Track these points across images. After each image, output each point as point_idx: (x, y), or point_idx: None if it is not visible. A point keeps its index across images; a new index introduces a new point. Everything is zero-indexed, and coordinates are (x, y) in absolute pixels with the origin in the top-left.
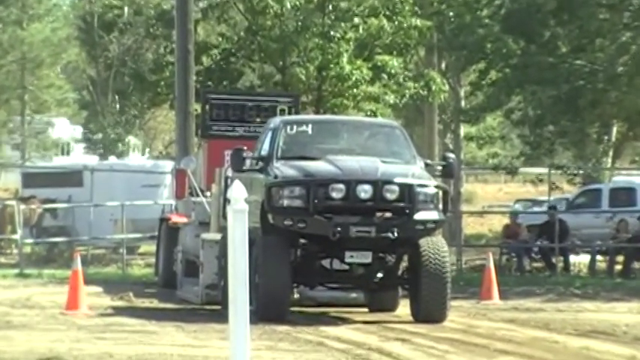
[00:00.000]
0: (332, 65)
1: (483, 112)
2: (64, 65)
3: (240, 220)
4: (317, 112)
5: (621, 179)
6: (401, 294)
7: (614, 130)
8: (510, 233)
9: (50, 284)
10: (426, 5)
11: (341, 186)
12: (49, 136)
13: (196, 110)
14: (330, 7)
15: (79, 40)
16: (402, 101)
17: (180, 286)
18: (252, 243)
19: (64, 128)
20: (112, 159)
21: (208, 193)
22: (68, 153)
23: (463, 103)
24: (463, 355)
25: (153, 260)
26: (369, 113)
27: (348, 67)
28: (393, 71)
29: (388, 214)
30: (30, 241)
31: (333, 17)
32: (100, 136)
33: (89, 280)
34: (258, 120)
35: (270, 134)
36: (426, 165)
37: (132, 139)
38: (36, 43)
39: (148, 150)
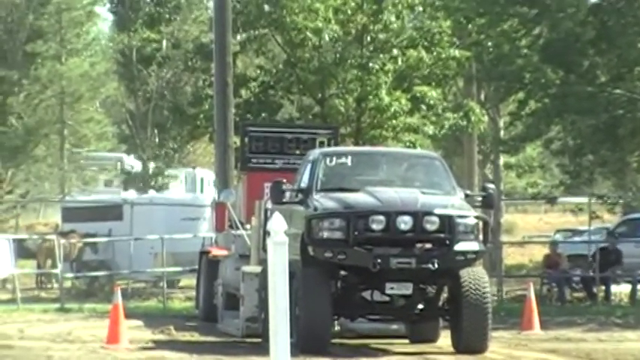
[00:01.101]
0: (371, 97)
1: (523, 142)
2: (102, 99)
3: (281, 253)
4: (356, 144)
5: None
6: (442, 325)
7: None
8: (551, 263)
9: (91, 318)
10: (465, 36)
11: (381, 217)
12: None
13: (235, 143)
14: (369, 38)
15: (117, 74)
16: (441, 132)
17: (220, 319)
18: (292, 275)
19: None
20: (152, 192)
21: (248, 226)
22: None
23: (502, 133)
24: None
25: (193, 293)
26: (408, 144)
27: (386, 99)
28: (431, 102)
29: (428, 245)
30: (70, 275)
31: (371, 49)
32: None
33: (130, 314)
34: (297, 152)
35: (309, 166)
36: (466, 196)
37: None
38: (74, 77)
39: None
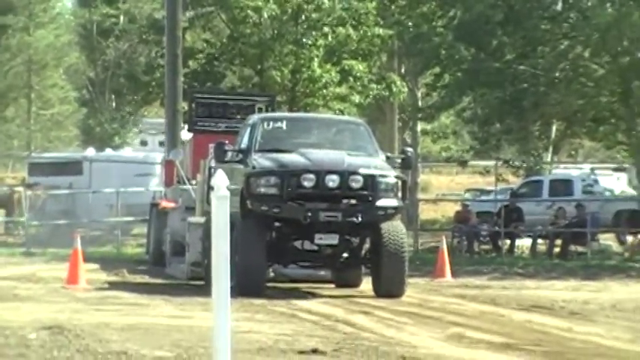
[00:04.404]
0: (304, 69)
1: (438, 111)
2: (66, 67)
3: (223, 206)
4: (291, 110)
5: (559, 172)
6: (364, 272)
7: (554, 128)
8: (461, 219)
9: (53, 261)
10: (388, 16)
11: (311, 176)
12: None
13: (184, 108)
14: (303, 17)
15: (79, 45)
16: (366, 101)
17: (168, 264)
18: (232, 226)
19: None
20: (109, 151)
21: (194, 182)
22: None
23: (420, 103)
24: (419, 326)
25: (144, 241)
26: (337, 112)
27: (318, 71)
28: (358, 74)
29: (353, 201)
30: (35, 223)
31: (305, 26)
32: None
33: (88, 258)
34: (238, 117)
35: (249, 129)
36: (387, 158)
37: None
38: (41, 47)
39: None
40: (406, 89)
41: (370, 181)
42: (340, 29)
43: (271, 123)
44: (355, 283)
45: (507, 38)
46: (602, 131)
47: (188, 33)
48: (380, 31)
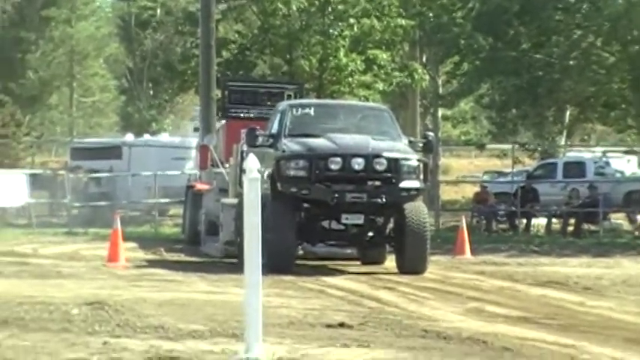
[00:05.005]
0: (331, 58)
1: (458, 97)
2: (106, 57)
3: (254, 187)
4: (318, 97)
5: (573, 155)
6: (388, 250)
7: (568, 113)
8: (480, 199)
9: (94, 241)
10: (410, 7)
11: (338, 159)
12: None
13: (217, 95)
14: (330, 9)
15: (118, 36)
16: (389, 88)
17: (203, 243)
18: (263, 207)
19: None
20: (147, 136)
21: (227, 165)
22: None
23: (440, 90)
24: (440, 301)
25: (180, 221)
26: (361, 98)
27: (344, 60)
28: (382, 63)
29: (378, 183)
30: (77, 204)
31: (332, 17)
32: (136, 117)
33: (127, 238)
34: (268, 104)
35: (279, 116)
36: (410, 142)
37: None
38: (82, 38)
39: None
40: (427, 77)
41: (393, 163)
42: (365, 20)
43: (300, 109)
44: (380, 261)
45: (523, 28)
46: (613, 116)
47: (221, 24)
48: (402, 21)
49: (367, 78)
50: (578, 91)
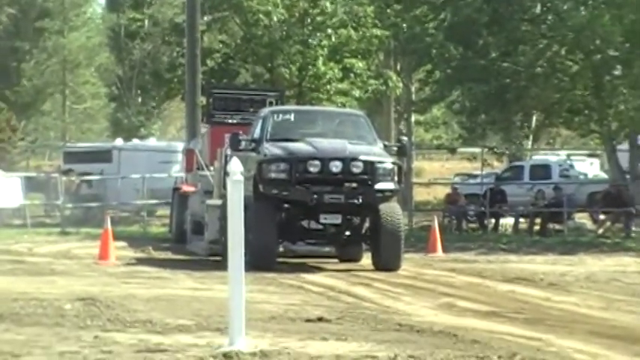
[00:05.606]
0: (310, 67)
1: (430, 103)
2: (97, 66)
3: (237, 189)
4: (298, 104)
5: (539, 158)
6: (364, 248)
7: (534, 118)
8: (451, 200)
9: (86, 240)
10: (385, 18)
11: (317, 162)
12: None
13: (202, 102)
14: (309, 20)
15: (108, 46)
16: (365, 95)
17: (189, 242)
18: (246, 207)
19: None
20: (135, 141)
21: (212, 168)
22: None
23: (414, 96)
24: (414, 297)
25: (167, 221)
26: (339, 105)
27: (322, 68)
28: (358, 71)
29: (354, 185)
30: (70, 205)
31: (311, 28)
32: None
33: (117, 237)
34: (251, 110)
35: (260, 121)
36: (385, 146)
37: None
38: (74, 48)
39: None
40: (401, 84)
41: (369, 166)
42: (342, 31)
43: (280, 115)
44: (356, 258)
45: (492, 38)
46: (576, 121)
47: (206, 35)
48: (378, 32)
49: (344, 85)
50: (544, 97)
